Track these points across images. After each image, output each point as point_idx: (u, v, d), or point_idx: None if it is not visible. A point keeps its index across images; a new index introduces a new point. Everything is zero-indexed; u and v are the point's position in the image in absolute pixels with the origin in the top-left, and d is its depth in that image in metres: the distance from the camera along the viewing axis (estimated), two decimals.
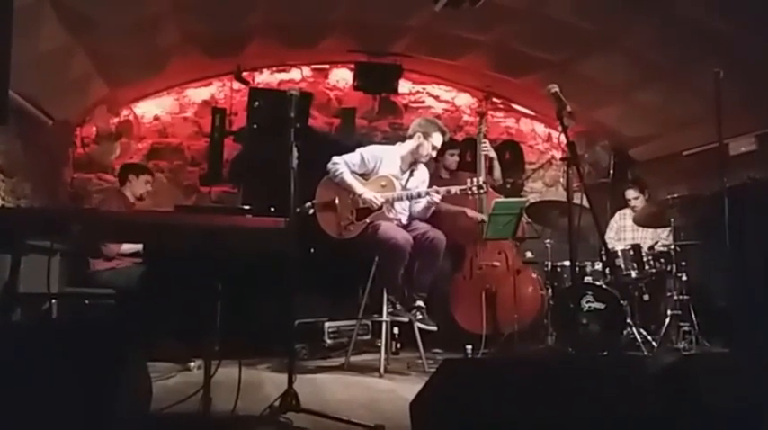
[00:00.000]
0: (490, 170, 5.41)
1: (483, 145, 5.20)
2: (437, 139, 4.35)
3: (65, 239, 3.15)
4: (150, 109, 6.20)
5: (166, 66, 5.57)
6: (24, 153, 4.71)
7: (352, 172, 4.29)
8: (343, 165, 4.27)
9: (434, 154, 4.46)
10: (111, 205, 4.74)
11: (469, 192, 4.12)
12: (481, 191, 4.14)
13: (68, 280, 4.64)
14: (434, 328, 4.25)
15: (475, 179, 4.16)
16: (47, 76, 4.51)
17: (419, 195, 4.25)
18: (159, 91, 6.17)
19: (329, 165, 4.30)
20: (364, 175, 4.34)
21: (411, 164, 4.43)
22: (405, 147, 4.43)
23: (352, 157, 4.32)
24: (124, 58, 5.06)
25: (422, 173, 4.51)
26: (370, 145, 4.62)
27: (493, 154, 5.38)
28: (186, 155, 6.26)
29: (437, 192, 4.18)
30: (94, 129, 5.82)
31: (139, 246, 4.59)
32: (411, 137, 4.41)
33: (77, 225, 2.48)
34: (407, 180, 4.39)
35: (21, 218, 2.55)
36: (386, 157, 4.37)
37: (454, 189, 4.19)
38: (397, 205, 4.31)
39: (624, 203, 5.76)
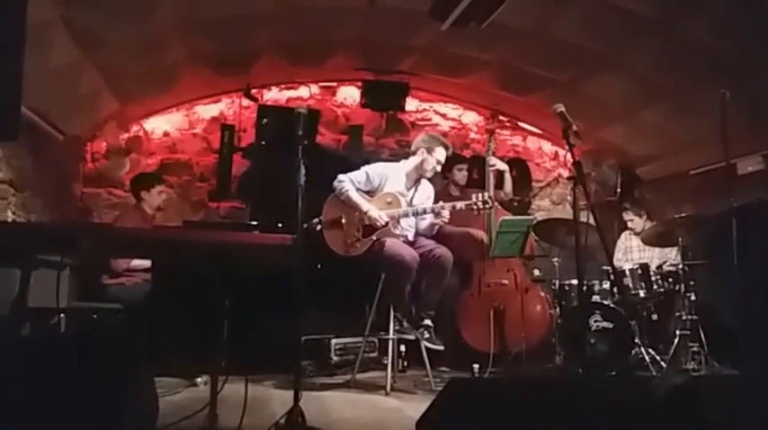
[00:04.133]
0: (501, 184, 5.40)
1: (492, 160, 5.20)
2: (441, 154, 4.37)
3: (74, 254, 3.16)
4: (160, 125, 6.26)
5: (176, 82, 5.63)
6: (35, 168, 4.75)
7: (358, 189, 4.30)
8: (348, 182, 4.29)
9: (439, 168, 4.46)
10: (129, 221, 4.75)
11: (475, 207, 4.11)
12: (487, 206, 4.13)
13: (78, 294, 4.65)
14: (441, 348, 4.23)
15: (481, 194, 4.16)
16: (58, 91, 4.56)
17: (425, 211, 4.26)
18: (169, 107, 6.22)
19: (335, 184, 4.32)
20: (370, 193, 4.35)
21: (416, 180, 4.45)
22: (409, 164, 4.45)
23: (358, 175, 4.34)
24: (134, 75, 5.12)
25: (426, 189, 4.53)
26: (378, 162, 4.64)
27: (504, 166, 5.37)
28: (195, 171, 6.30)
29: (443, 208, 4.18)
30: (104, 144, 5.88)
31: (148, 262, 4.60)
32: (415, 153, 4.43)
33: (87, 240, 2.49)
34: (412, 196, 4.41)
35: (31, 232, 2.56)
36: (391, 175, 4.38)
37: (460, 204, 4.19)
38: (403, 222, 4.31)
39: None
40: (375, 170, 4.37)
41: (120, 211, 5.31)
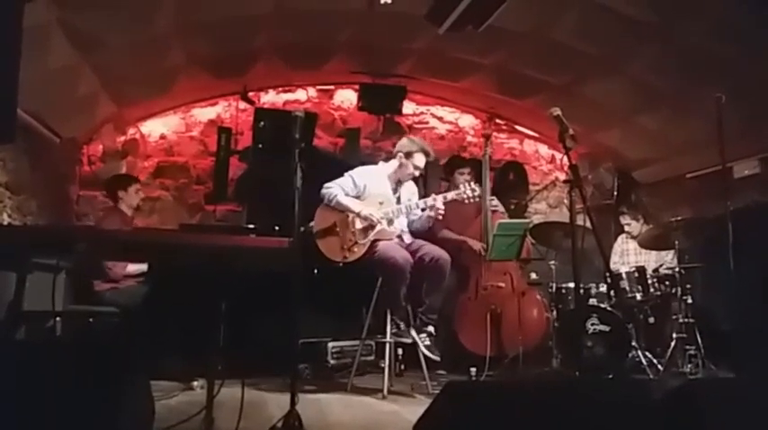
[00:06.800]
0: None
1: (492, 201, 5.21)
2: (419, 160, 4.35)
3: (70, 257, 3.15)
4: (157, 128, 6.25)
5: (173, 85, 5.63)
6: (31, 170, 4.74)
7: (347, 194, 4.31)
8: (336, 187, 4.30)
9: (417, 174, 4.45)
10: (110, 223, 4.72)
11: (465, 195, 4.13)
12: (475, 193, 4.16)
13: (73, 298, 4.63)
14: (438, 358, 4.20)
15: (469, 184, 4.20)
16: (54, 94, 4.55)
17: (417, 206, 4.26)
18: (166, 110, 6.22)
19: (323, 191, 4.31)
20: (357, 197, 4.35)
21: (397, 182, 4.46)
22: (389, 167, 4.47)
23: (344, 181, 4.34)
24: (131, 77, 5.11)
25: (409, 188, 4.54)
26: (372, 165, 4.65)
27: (502, 209, 5.37)
28: (192, 173, 6.29)
29: (434, 200, 4.18)
30: (101, 147, 5.87)
31: (144, 268, 4.58)
32: (395, 156, 4.44)
33: (82, 243, 2.49)
34: (398, 197, 4.43)
35: (27, 235, 2.56)
36: (374, 177, 4.40)
37: (450, 194, 4.23)
38: (397, 223, 4.31)
39: None
40: (359, 174, 4.39)
41: (101, 214, 5.26)
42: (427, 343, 4.15)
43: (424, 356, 4.21)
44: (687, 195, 5.98)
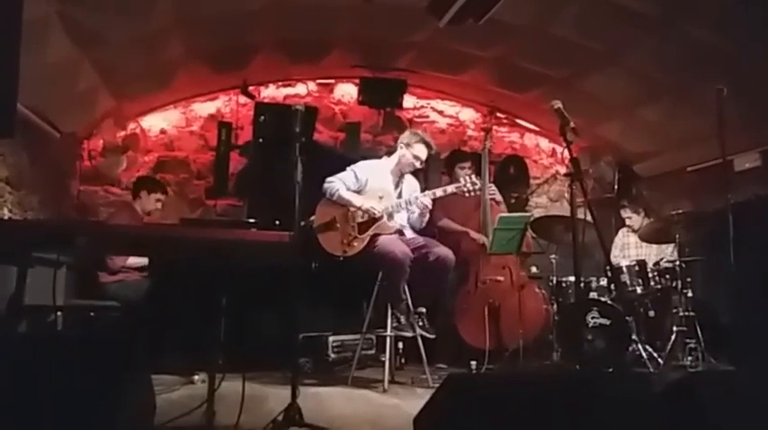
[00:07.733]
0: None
1: (489, 188, 5.19)
2: (420, 151, 4.34)
3: (71, 252, 3.16)
4: (157, 122, 6.24)
5: (173, 80, 5.62)
6: (31, 166, 4.74)
7: (348, 189, 4.31)
8: (338, 182, 4.30)
9: (418, 164, 4.44)
10: (120, 216, 4.79)
11: (465, 189, 4.13)
12: (476, 186, 4.15)
13: (74, 292, 4.65)
14: (432, 336, 4.23)
15: (470, 177, 4.19)
16: (54, 89, 4.55)
17: (417, 198, 4.26)
18: (166, 104, 6.21)
19: (325, 185, 4.31)
20: (359, 192, 4.35)
21: (399, 176, 4.47)
22: (392, 161, 4.48)
23: (346, 175, 4.35)
24: (131, 72, 5.11)
25: (411, 183, 4.55)
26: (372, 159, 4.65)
27: (499, 197, 5.37)
28: (192, 168, 6.29)
29: (434, 194, 4.19)
30: (101, 142, 5.88)
31: (145, 260, 4.60)
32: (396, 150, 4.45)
33: (83, 238, 2.49)
34: (400, 192, 4.43)
35: (27, 230, 2.56)
36: (376, 172, 4.41)
37: (450, 188, 4.23)
38: (397, 217, 4.31)
39: None
40: (361, 169, 4.39)
41: (115, 207, 5.31)
42: (420, 323, 4.18)
43: (423, 339, 4.22)
44: (688, 188, 5.97)
